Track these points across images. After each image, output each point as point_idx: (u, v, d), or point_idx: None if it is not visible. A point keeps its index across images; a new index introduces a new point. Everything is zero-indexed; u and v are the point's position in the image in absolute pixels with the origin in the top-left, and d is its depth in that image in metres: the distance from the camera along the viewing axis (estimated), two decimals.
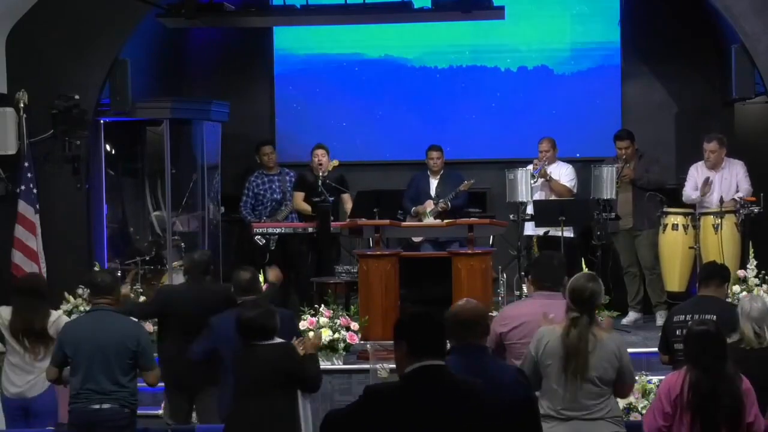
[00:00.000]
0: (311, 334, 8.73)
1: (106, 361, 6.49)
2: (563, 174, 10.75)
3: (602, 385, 5.44)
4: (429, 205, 10.70)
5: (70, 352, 6.59)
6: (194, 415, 7.61)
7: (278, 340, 6.22)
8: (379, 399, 4.13)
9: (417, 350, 4.13)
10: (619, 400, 7.78)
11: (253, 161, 11.32)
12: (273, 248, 10.63)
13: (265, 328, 6.15)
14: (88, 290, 6.89)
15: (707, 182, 9.90)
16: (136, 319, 7.28)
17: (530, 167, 10.59)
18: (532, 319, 5.72)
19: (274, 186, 11.04)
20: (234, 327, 6.40)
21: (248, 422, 6.03)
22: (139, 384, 6.74)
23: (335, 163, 10.73)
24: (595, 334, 5.43)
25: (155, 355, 7.13)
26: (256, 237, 10.60)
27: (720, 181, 10.01)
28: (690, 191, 10.11)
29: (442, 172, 10.86)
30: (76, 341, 6.58)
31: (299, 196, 10.75)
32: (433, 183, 10.87)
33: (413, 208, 10.73)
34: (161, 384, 7.16)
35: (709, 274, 7.07)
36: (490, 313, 5.36)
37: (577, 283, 5.49)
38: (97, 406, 6.48)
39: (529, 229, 10.66)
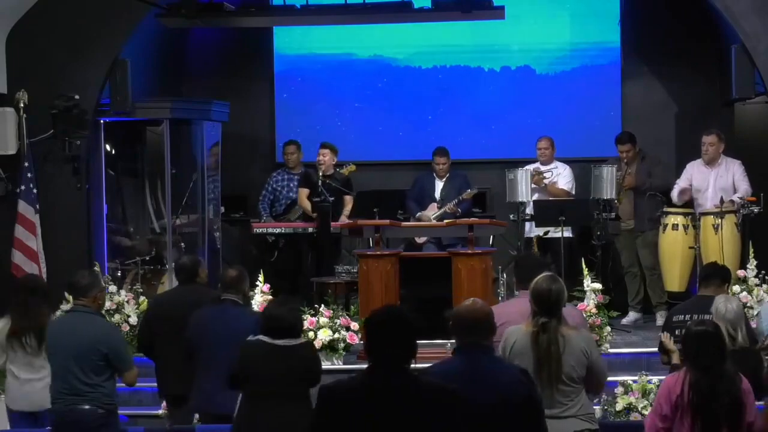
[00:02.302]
0: (311, 334, 8.76)
1: (78, 363, 6.51)
2: (561, 176, 10.75)
3: (572, 384, 5.45)
4: (432, 209, 10.70)
5: (49, 352, 6.69)
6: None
7: (302, 339, 6.20)
8: (333, 396, 4.22)
9: (370, 349, 4.23)
10: (618, 400, 7.89)
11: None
12: (281, 246, 10.66)
13: (295, 326, 6.08)
14: (69, 292, 6.89)
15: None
16: (110, 321, 7.19)
17: (529, 167, 10.61)
18: (518, 318, 5.73)
19: (292, 185, 11.09)
20: (210, 320, 6.52)
21: (274, 425, 5.89)
22: (118, 384, 6.75)
23: (352, 167, 10.73)
24: (563, 334, 5.44)
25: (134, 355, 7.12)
26: (266, 234, 10.64)
27: (716, 178, 10.03)
28: (676, 190, 10.11)
29: (448, 174, 10.88)
30: (52, 342, 6.66)
31: (304, 192, 10.77)
32: (439, 185, 10.88)
33: (418, 214, 10.73)
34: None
35: (709, 274, 7.12)
36: None
37: (540, 287, 5.49)
38: (72, 407, 6.51)
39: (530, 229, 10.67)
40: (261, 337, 6.02)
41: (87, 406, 6.51)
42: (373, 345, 4.24)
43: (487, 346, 4.96)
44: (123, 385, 6.89)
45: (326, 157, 10.54)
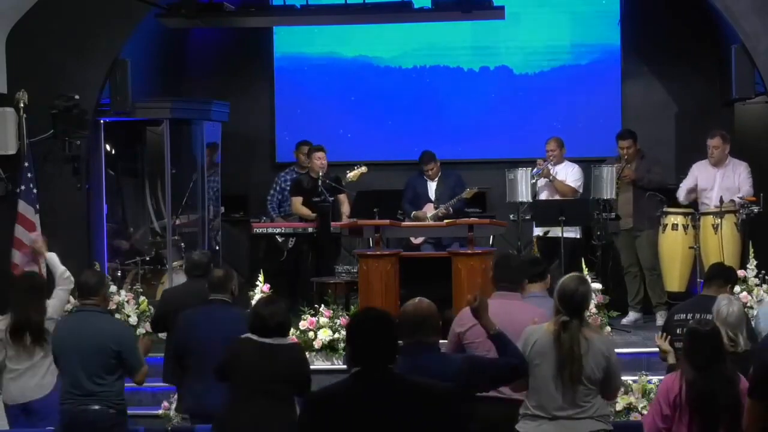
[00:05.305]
0: (311, 334, 8.76)
1: (88, 362, 6.49)
2: (570, 174, 10.70)
3: (590, 385, 5.43)
4: (429, 209, 10.70)
5: (57, 352, 6.66)
6: None
7: (290, 339, 6.11)
8: (318, 403, 4.19)
9: (353, 353, 4.18)
10: (618, 400, 7.88)
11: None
12: (291, 246, 10.65)
13: (283, 325, 6.01)
14: (77, 292, 6.89)
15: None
16: (121, 319, 7.16)
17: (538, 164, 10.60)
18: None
19: None
20: (199, 320, 6.50)
21: (255, 423, 5.86)
22: (127, 384, 6.74)
23: (363, 169, 10.70)
24: (586, 336, 5.43)
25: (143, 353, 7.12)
26: (276, 234, 10.63)
27: (722, 178, 10.00)
28: (683, 191, 10.10)
29: (439, 174, 10.87)
30: (61, 342, 6.64)
31: (297, 200, 10.75)
32: (432, 186, 10.88)
33: (413, 213, 10.74)
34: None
35: (713, 274, 7.15)
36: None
37: (566, 287, 5.46)
38: (83, 407, 6.49)
39: (536, 229, 10.66)
40: (249, 335, 5.99)
41: (98, 407, 6.49)
42: (355, 349, 4.18)
43: (431, 343, 5.00)
44: (131, 384, 6.87)
45: (325, 160, 10.57)
